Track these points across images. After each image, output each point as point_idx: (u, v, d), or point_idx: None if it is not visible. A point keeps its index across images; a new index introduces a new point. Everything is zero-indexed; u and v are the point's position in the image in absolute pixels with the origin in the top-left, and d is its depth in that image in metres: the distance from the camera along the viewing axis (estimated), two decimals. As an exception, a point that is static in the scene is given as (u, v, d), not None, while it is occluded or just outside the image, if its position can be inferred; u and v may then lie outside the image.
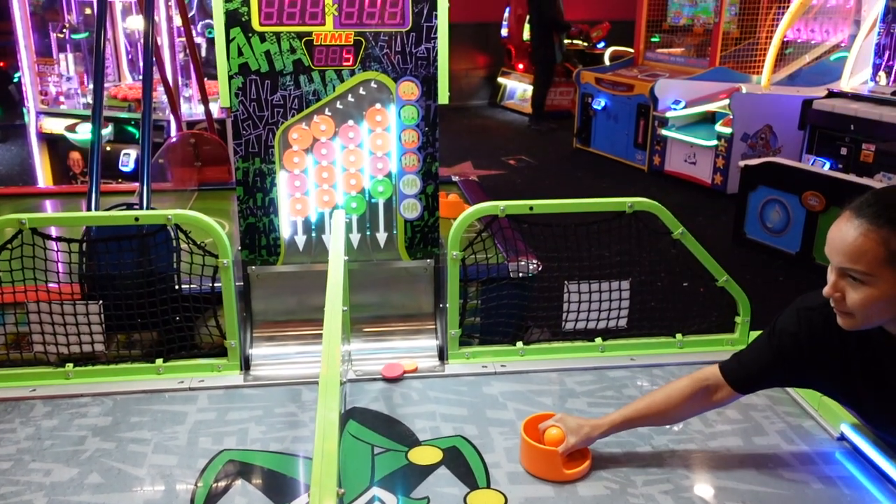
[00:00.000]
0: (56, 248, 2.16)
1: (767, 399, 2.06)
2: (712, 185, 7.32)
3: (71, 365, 2.12)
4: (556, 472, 1.71)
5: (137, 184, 3.06)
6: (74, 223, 2.72)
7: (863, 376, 1.63)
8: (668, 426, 1.89)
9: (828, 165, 6.09)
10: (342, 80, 2.20)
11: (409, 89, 2.23)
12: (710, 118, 7.47)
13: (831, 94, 6.34)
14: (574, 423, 1.76)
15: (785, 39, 7.38)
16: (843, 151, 6.09)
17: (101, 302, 2.11)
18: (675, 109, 7.63)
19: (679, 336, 2.35)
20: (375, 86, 2.22)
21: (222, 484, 1.69)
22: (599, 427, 1.76)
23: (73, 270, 2.27)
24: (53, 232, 2.53)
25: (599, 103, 8.76)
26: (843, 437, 1.86)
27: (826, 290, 1.53)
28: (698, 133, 7.49)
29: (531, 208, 2.21)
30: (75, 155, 5.87)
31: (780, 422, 1.96)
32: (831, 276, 1.52)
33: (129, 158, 5.52)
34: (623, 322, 2.35)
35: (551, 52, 10.27)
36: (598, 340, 2.32)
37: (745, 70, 7.83)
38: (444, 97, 2.26)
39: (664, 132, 7.78)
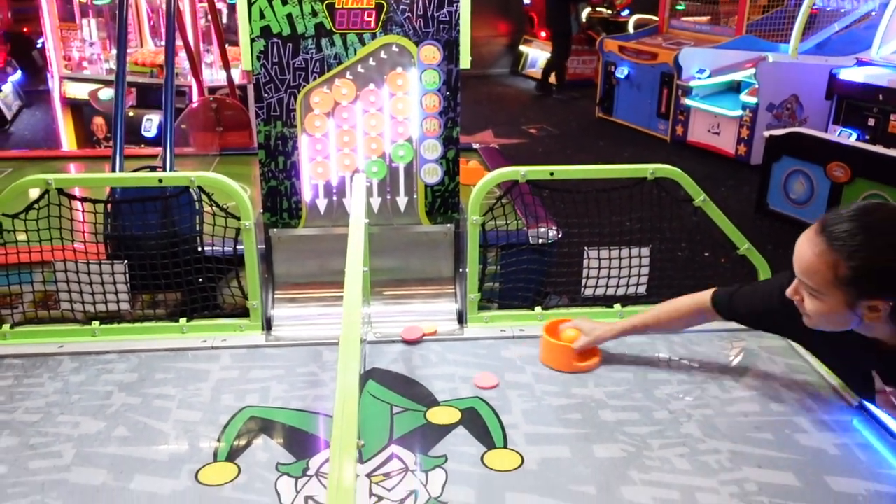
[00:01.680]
0: (82, 209, 2.19)
1: (786, 368, 2.06)
2: (736, 156, 7.24)
3: (97, 323, 2.17)
4: (569, 365, 2.01)
5: (160, 148, 3.09)
6: (99, 184, 2.76)
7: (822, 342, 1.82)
8: (682, 396, 1.91)
9: (854, 136, 6.00)
10: (364, 44, 2.20)
11: (431, 53, 2.23)
12: (735, 88, 7.37)
13: (860, 64, 6.22)
14: (588, 325, 2.03)
15: (814, 7, 7.22)
16: (871, 122, 5.99)
17: (125, 262, 2.15)
18: (699, 78, 7.53)
19: (698, 303, 2.34)
20: (397, 50, 2.22)
21: (244, 439, 1.73)
22: (611, 330, 2.04)
23: (98, 231, 2.30)
24: (78, 193, 2.57)
25: (623, 72, 8.65)
26: (861, 406, 1.86)
27: (788, 291, 1.65)
28: (723, 103, 7.40)
29: (552, 174, 2.21)
30: (98, 120, 5.93)
31: (799, 390, 1.96)
32: (795, 280, 1.62)
33: (151, 124, 5.55)
34: (642, 289, 2.35)
35: (567, 23, 10.16)
36: (617, 307, 2.32)
37: (772, 39, 7.69)
38: (465, 61, 2.25)
39: (688, 101, 7.68)
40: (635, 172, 2.24)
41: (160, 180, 2.16)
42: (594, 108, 9.27)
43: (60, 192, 2.11)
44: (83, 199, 2.17)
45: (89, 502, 1.51)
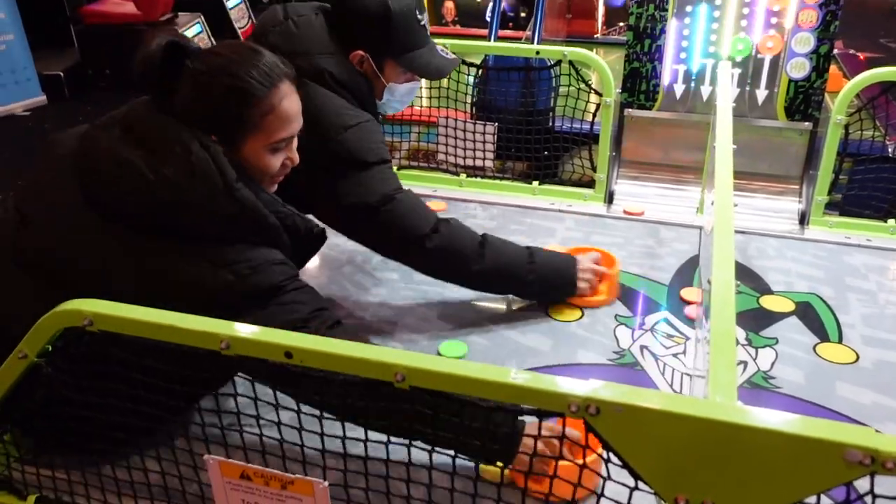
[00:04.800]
0: (468, 73, 2.48)
1: None
2: None
3: (464, 175, 2.50)
4: None
5: (520, 32, 3.33)
6: (477, 51, 3.09)
7: None
8: None
9: None
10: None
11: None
12: None
13: None
14: None
15: None
16: None
17: (496, 124, 2.42)
18: None
19: None
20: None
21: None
22: None
23: (469, 94, 2.60)
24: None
25: None
26: None
27: None
28: None
29: (939, 78, 2.04)
30: (449, 4, 6.40)
31: None
32: None
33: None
34: None
35: None
36: None
37: None
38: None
39: None
40: None
41: (537, 52, 2.37)
42: (978, 23, 7.89)
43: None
44: (464, 63, 2.46)
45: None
